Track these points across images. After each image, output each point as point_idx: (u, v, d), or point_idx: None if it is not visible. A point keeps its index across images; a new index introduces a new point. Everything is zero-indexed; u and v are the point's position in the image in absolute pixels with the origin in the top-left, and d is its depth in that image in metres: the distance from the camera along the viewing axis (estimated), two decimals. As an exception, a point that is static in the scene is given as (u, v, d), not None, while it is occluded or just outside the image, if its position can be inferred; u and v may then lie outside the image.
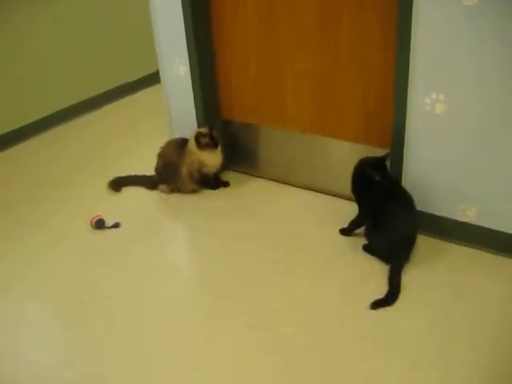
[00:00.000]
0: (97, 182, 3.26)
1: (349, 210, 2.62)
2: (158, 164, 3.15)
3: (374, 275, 2.39)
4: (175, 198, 3.12)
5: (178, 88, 3.20)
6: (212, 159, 3.05)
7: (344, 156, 2.89)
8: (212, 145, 2.99)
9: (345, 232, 2.66)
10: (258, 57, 2.98)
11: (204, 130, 3.01)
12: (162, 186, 3.16)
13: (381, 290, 2.29)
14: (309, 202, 2.98)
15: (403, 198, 2.45)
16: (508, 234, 2.43)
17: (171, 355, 2.10)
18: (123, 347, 2.16)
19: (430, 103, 2.38)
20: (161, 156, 3.14)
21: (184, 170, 3.06)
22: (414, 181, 2.57)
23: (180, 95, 3.22)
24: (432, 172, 2.52)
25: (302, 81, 2.88)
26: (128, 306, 2.37)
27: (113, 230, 2.85)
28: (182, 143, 3.10)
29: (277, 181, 3.18)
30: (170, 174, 3.10)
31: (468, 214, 2.50)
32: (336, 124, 2.87)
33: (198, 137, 2.99)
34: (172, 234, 2.94)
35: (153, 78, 4.06)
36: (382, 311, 2.21)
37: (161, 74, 3.27)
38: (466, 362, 1.98)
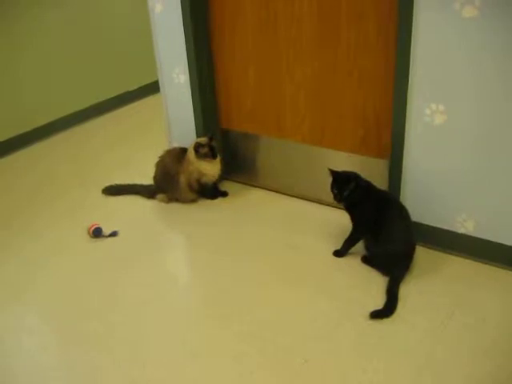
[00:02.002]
0: (95, 191, 3.26)
1: (346, 221, 2.60)
2: (156, 173, 3.14)
3: (371, 286, 2.38)
4: (173, 207, 3.11)
5: (178, 97, 3.21)
6: (211, 169, 3.04)
7: (343, 167, 2.88)
8: (211, 155, 2.98)
9: (339, 254, 2.61)
10: (258, 66, 2.98)
11: (203, 139, 3.00)
12: (160, 196, 3.15)
13: (379, 301, 2.28)
14: (307, 212, 2.98)
15: (398, 210, 2.45)
16: (507, 246, 2.43)
17: (170, 366, 2.08)
18: (122, 357, 2.14)
19: (429, 114, 2.38)
20: (159, 165, 3.13)
21: (182, 180, 3.05)
22: (412, 192, 2.57)
23: (179, 104, 3.22)
24: (431, 183, 2.51)
25: (301, 91, 2.88)
26: (127, 315, 2.35)
27: (110, 238, 2.84)
28: (181, 153, 3.09)
29: (276, 191, 3.17)
30: (169, 183, 3.09)
31: (467, 226, 2.49)
32: (334, 135, 2.87)
33: (197, 147, 2.98)
34: (170, 244, 2.92)
35: (152, 88, 4.07)
36: (380, 322, 2.20)
37: (160, 83, 3.27)
38: (465, 374, 1.96)
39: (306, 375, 2.01)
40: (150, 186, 3.19)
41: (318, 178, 3.02)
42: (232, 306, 2.36)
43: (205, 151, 2.97)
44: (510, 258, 2.43)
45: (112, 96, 4.52)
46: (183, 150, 3.10)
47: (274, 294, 2.41)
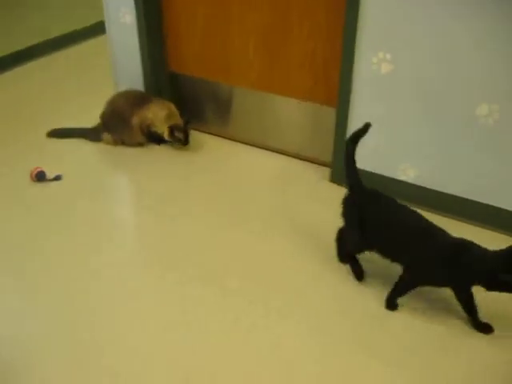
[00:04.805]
0: (38, 134, 3.15)
1: (298, 169, 2.59)
2: (106, 110, 3.05)
3: (326, 226, 2.34)
4: (119, 150, 3.06)
5: (124, 38, 3.10)
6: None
7: (293, 113, 2.89)
8: (184, 142, 2.98)
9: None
10: (207, 8, 2.91)
11: (180, 123, 2.97)
12: (106, 137, 3.07)
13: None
14: (259, 160, 2.98)
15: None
16: (447, 194, 2.51)
17: (112, 311, 2.08)
18: (59, 304, 2.11)
19: (376, 62, 2.40)
20: (112, 103, 3.04)
21: (136, 122, 2.98)
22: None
23: (125, 46, 3.12)
24: (376, 131, 2.52)
25: (251, 37, 2.84)
26: (70, 260, 2.32)
27: (54, 183, 2.77)
28: (140, 96, 3.04)
29: (225, 137, 3.16)
30: (118, 123, 3.01)
31: (408, 173, 2.56)
32: (284, 81, 2.86)
33: (172, 129, 2.96)
34: (115, 189, 2.89)
35: (99, 28, 3.92)
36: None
37: (106, 23, 3.15)
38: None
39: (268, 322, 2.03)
40: (95, 127, 3.10)
41: (269, 124, 3.02)
42: (180, 251, 2.36)
43: (180, 137, 2.96)
44: (449, 206, 2.52)
45: (56, 35, 4.33)
46: (143, 95, 3.06)
47: (223, 238, 2.43)
